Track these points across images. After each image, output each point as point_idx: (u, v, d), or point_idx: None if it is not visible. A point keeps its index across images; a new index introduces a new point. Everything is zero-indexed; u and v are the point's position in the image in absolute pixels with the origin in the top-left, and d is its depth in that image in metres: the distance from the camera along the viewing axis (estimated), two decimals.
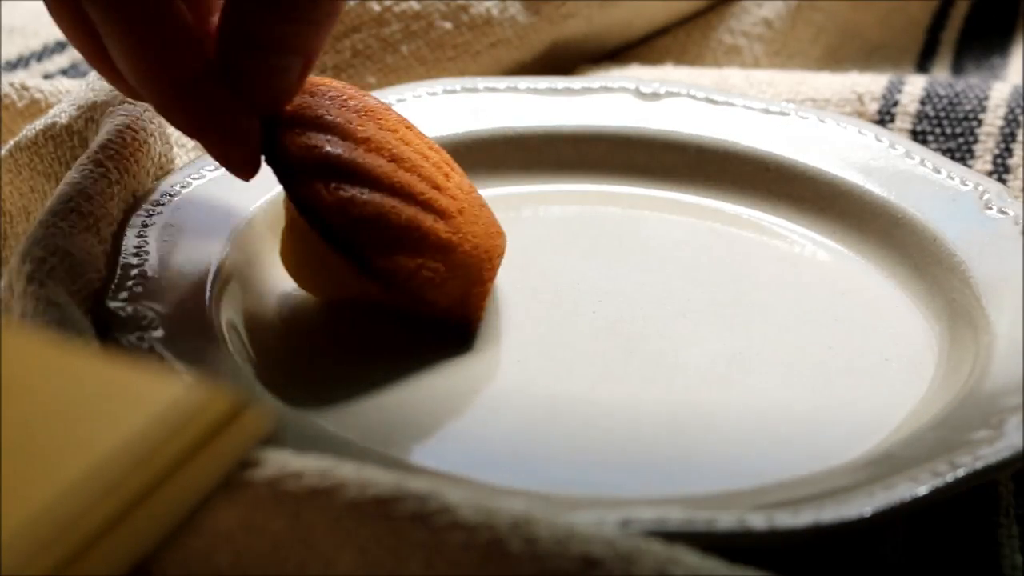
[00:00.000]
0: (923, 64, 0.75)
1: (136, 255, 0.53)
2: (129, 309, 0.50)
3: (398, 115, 0.55)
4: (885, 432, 0.50)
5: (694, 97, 0.64)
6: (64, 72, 0.70)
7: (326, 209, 0.51)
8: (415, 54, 0.66)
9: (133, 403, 0.36)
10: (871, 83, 0.66)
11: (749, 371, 0.53)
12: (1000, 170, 0.62)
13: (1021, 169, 0.62)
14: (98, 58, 0.52)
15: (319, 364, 0.53)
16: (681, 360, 0.53)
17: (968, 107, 0.64)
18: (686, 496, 0.47)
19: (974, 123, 0.64)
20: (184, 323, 0.51)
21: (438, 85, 0.64)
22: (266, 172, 0.58)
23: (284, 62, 0.51)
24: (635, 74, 0.68)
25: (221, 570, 0.42)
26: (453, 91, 0.64)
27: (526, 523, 0.40)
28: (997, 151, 0.63)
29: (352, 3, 0.65)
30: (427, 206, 0.52)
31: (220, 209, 0.56)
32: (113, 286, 0.51)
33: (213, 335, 0.51)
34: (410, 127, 0.54)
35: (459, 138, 0.61)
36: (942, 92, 0.65)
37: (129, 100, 0.57)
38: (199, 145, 0.62)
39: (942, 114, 0.64)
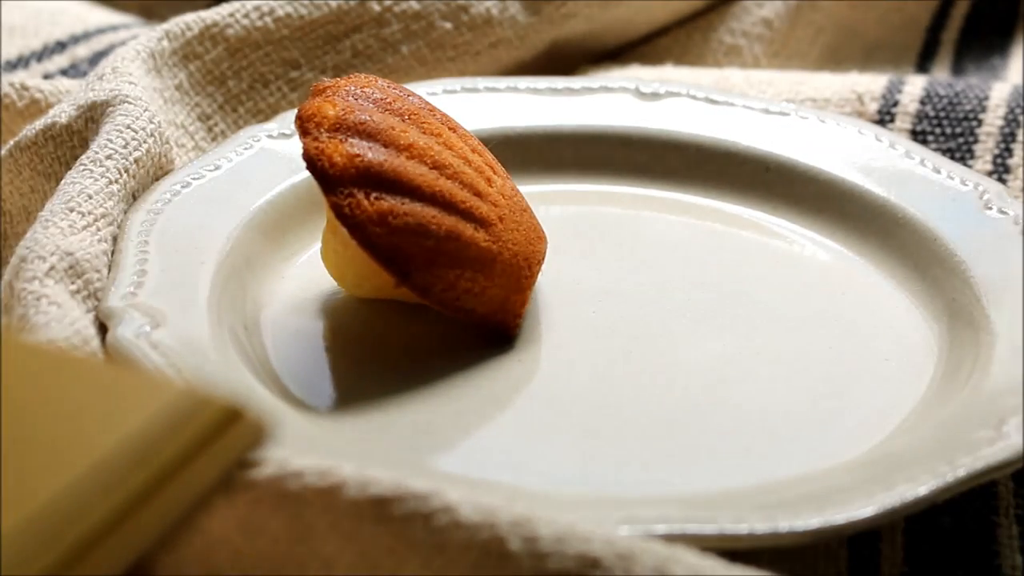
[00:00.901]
0: (923, 64, 0.75)
1: (136, 255, 0.53)
2: (129, 309, 0.50)
3: (442, 115, 0.54)
4: (885, 432, 0.50)
5: (694, 97, 0.64)
6: (64, 72, 0.70)
7: (366, 219, 0.50)
8: (415, 54, 0.66)
9: (132, 404, 0.36)
10: (871, 83, 0.66)
11: (749, 371, 0.53)
12: (1000, 170, 0.62)
13: (1021, 169, 0.62)
14: None
15: (318, 364, 0.53)
16: (681, 360, 0.53)
17: (968, 107, 0.64)
18: (686, 496, 0.47)
19: (974, 123, 0.64)
20: (184, 323, 0.51)
21: (438, 85, 0.64)
22: (265, 170, 0.58)
23: None
24: (635, 74, 0.68)
25: (221, 570, 0.42)
26: (453, 91, 0.64)
27: (526, 522, 0.40)
28: (997, 151, 0.63)
29: (352, 3, 0.65)
30: (468, 215, 0.52)
31: (220, 209, 0.56)
32: (113, 286, 0.51)
33: (213, 335, 0.51)
34: (454, 128, 0.54)
35: None
36: (942, 92, 0.65)
37: (129, 100, 0.57)
38: (198, 146, 0.62)
39: (942, 114, 0.64)
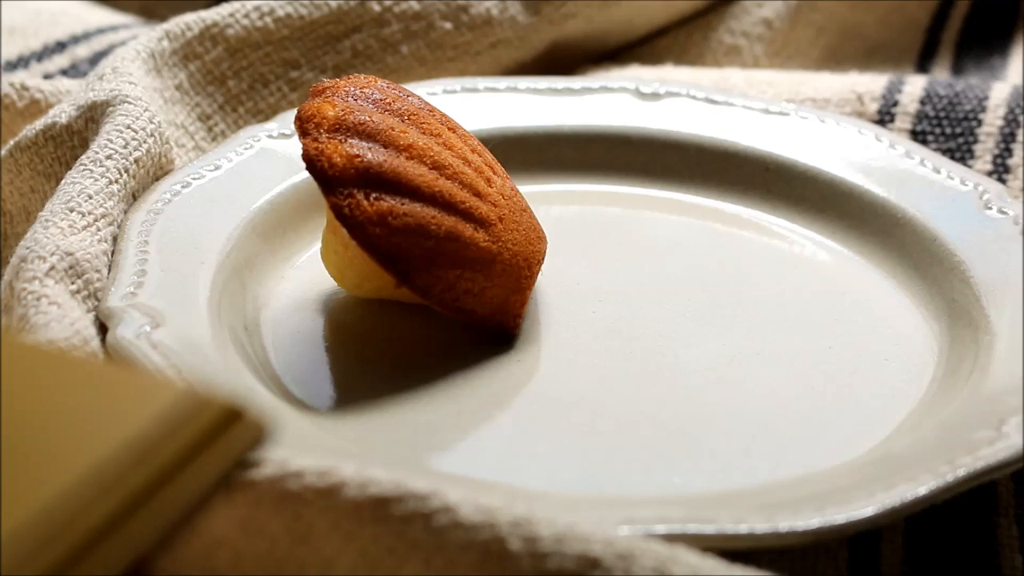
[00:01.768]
0: (923, 64, 0.75)
1: (136, 255, 0.53)
2: (129, 309, 0.50)
3: (442, 115, 0.54)
4: (885, 432, 0.50)
5: (694, 97, 0.64)
6: (64, 72, 0.70)
7: (366, 220, 0.51)
8: (415, 54, 0.66)
9: (132, 404, 0.36)
10: (871, 83, 0.66)
11: (749, 371, 0.53)
12: (1000, 170, 0.62)
13: (1021, 169, 0.62)
14: None
15: (318, 364, 0.53)
16: (681, 360, 0.53)
17: (968, 107, 0.64)
18: (686, 496, 0.47)
19: (974, 123, 0.64)
20: (184, 323, 0.51)
21: (438, 85, 0.64)
22: (265, 170, 0.58)
23: None
24: (635, 74, 0.68)
25: (220, 570, 0.42)
26: (453, 91, 0.64)
27: (526, 522, 0.40)
28: (997, 151, 0.63)
29: (352, 3, 0.65)
30: (467, 215, 0.52)
31: (220, 209, 0.56)
32: (113, 286, 0.51)
33: (213, 335, 0.51)
34: (454, 128, 0.54)
35: None
36: (942, 92, 0.65)
37: (129, 100, 0.57)
38: (198, 146, 0.62)
39: (942, 114, 0.64)
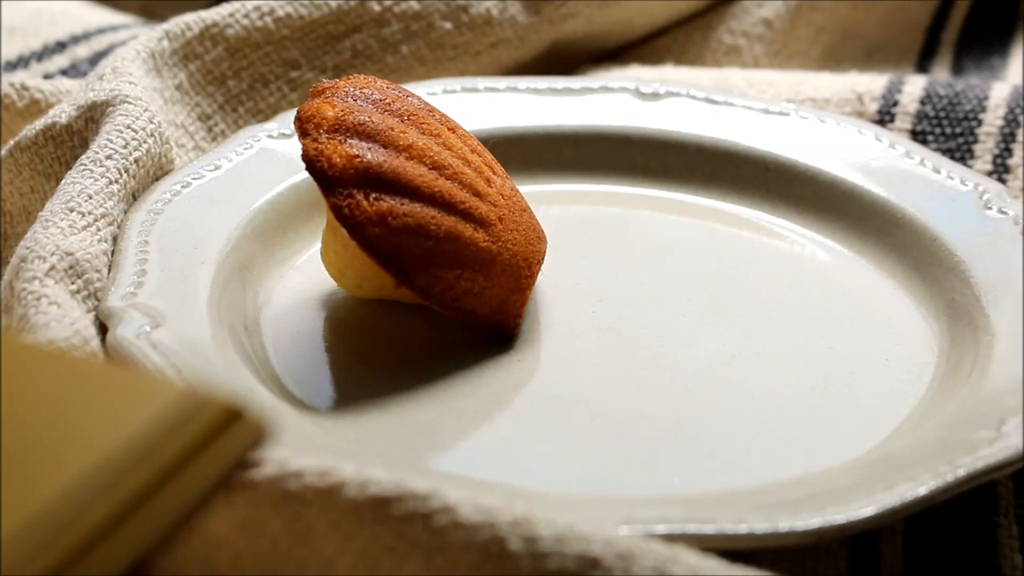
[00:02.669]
0: (923, 64, 0.75)
1: (136, 255, 0.53)
2: (129, 309, 0.50)
3: (442, 115, 0.55)
4: (885, 432, 0.50)
5: (694, 97, 0.64)
6: (64, 72, 0.70)
7: (366, 220, 0.51)
8: (415, 54, 0.66)
9: (132, 404, 0.36)
10: (871, 83, 0.66)
11: (749, 371, 0.53)
12: (1000, 170, 0.62)
13: (1021, 169, 0.62)
14: None
15: (318, 364, 0.53)
16: (681, 360, 0.53)
17: (968, 107, 0.64)
18: (686, 496, 0.47)
19: (974, 123, 0.64)
20: (184, 323, 0.51)
21: (438, 85, 0.64)
22: (265, 170, 0.58)
23: None
24: (635, 74, 0.68)
25: (220, 570, 0.42)
26: (453, 91, 0.64)
27: (526, 522, 0.40)
28: (997, 151, 0.63)
29: (352, 3, 0.65)
30: (467, 215, 0.52)
31: (220, 209, 0.56)
32: (113, 286, 0.51)
33: (213, 335, 0.51)
34: (453, 128, 0.54)
35: None
36: (942, 92, 0.65)
37: (129, 100, 0.57)
38: (198, 146, 0.62)
39: (942, 114, 0.64)
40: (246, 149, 0.59)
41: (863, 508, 0.44)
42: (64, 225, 0.52)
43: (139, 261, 0.53)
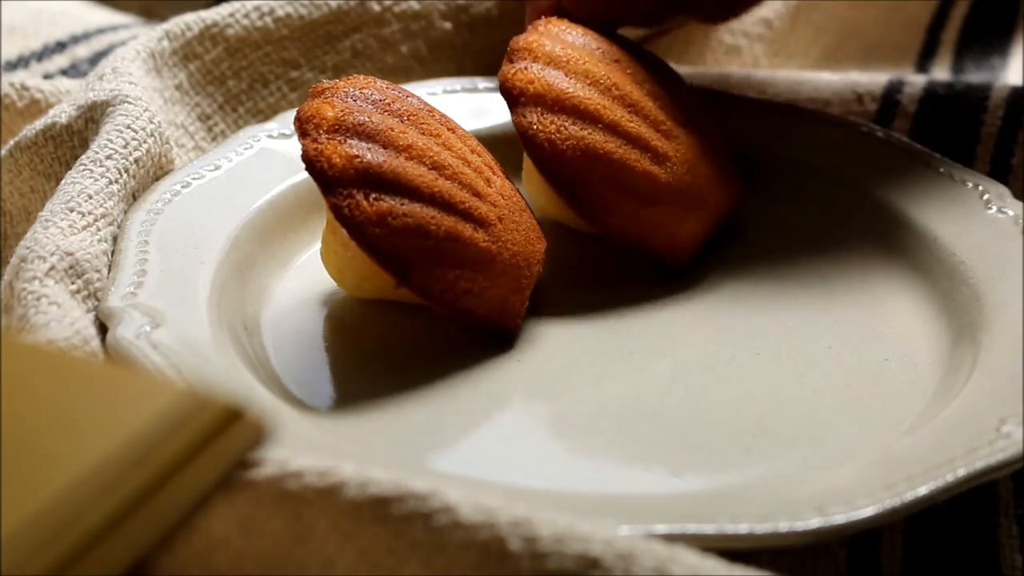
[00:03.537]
0: (923, 64, 0.75)
1: (136, 255, 0.53)
2: (129, 309, 0.50)
3: (442, 115, 0.55)
4: (885, 432, 0.50)
5: None
6: (64, 72, 0.70)
7: (366, 220, 0.51)
8: (415, 54, 0.66)
9: (132, 404, 0.36)
10: (871, 83, 0.66)
11: (749, 371, 0.53)
12: (1000, 170, 0.62)
13: (1021, 169, 0.62)
14: None
15: (318, 364, 0.53)
16: (681, 360, 0.53)
17: (968, 107, 0.64)
18: (686, 496, 0.47)
19: (974, 123, 0.64)
20: (184, 323, 0.51)
21: (438, 85, 0.64)
22: (265, 170, 0.58)
23: None
24: None
25: (220, 570, 0.42)
26: (453, 91, 0.64)
27: (526, 522, 0.40)
28: (997, 151, 0.63)
29: (352, 3, 0.65)
30: (467, 215, 0.52)
31: (220, 209, 0.56)
32: (113, 286, 0.51)
33: (213, 335, 0.51)
34: (453, 129, 0.55)
35: None
36: (942, 92, 0.65)
37: (129, 100, 0.57)
38: (198, 146, 0.62)
39: (942, 114, 0.64)
40: (246, 149, 0.59)
41: (863, 508, 0.44)
42: (64, 225, 0.52)
43: (139, 261, 0.53)
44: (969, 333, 0.53)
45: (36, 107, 0.64)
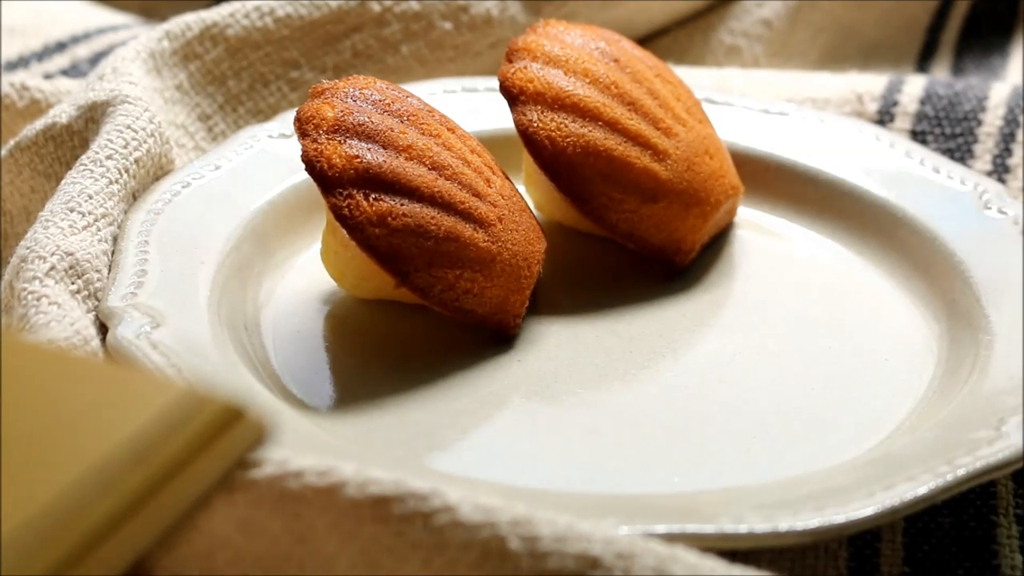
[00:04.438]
0: (923, 64, 0.75)
1: (136, 255, 0.53)
2: (129, 309, 0.50)
3: (442, 116, 0.55)
4: (885, 432, 0.50)
5: None
6: (64, 72, 0.70)
7: (365, 220, 0.51)
8: (415, 54, 0.66)
9: (132, 404, 0.36)
10: (871, 83, 0.66)
11: (749, 371, 0.53)
12: (1000, 170, 0.62)
13: (1021, 169, 0.62)
14: None
15: (318, 364, 0.53)
16: (681, 360, 0.53)
17: (968, 107, 0.64)
18: (686, 496, 0.47)
19: (974, 123, 0.64)
20: (184, 323, 0.51)
21: (438, 85, 0.64)
22: (265, 170, 0.58)
23: None
24: None
25: (220, 570, 0.42)
26: (453, 91, 0.64)
27: (526, 522, 0.40)
28: (997, 151, 0.63)
29: (352, 3, 0.65)
30: (467, 215, 0.52)
31: (220, 209, 0.56)
32: (113, 286, 0.51)
33: (213, 335, 0.51)
34: (453, 129, 0.55)
35: None
36: (942, 92, 0.65)
37: (129, 100, 0.57)
38: (198, 146, 0.62)
39: (942, 114, 0.64)
40: (246, 149, 0.59)
41: (863, 508, 0.44)
42: (64, 225, 0.52)
43: (139, 261, 0.53)
44: (969, 333, 0.53)
45: (36, 107, 0.64)
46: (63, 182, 0.54)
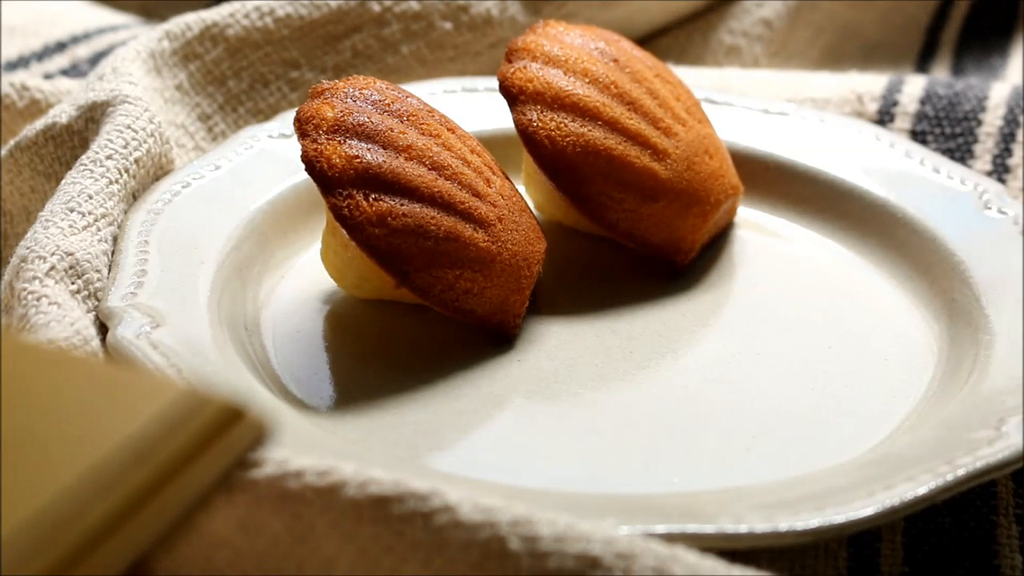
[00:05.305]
0: (922, 64, 0.75)
1: (136, 255, 0.53)
2: (129, 309, 0.50)
3: (441, 116, 0.55)
4: (885, 432, 0.50)
5: None
6: (64, 72, 0.70)
7: (365, 220, 0.51)
8: (415, 54, 0.66)
9: (132, 404, 0.36)
10: (871, 83, 0.66)
11: (749, 371, 0.53)
12: (999, 170, 0.62)
13: (1021, 169, 0.62)
14: None
15: (318, 364, 0.53)
16: (681, 360, 0.53)
17: (968, 107, 0.64)
18: (686, 496, 0.47)
19: (974, 123, 0.64)
20: (184, 323, 0.51)
21: (438, 85, 0.64)
22: (265, 170, 0.58)
23: None
24: None
25: (221, 570, 0.42)
26: (453, 91, 0.64)
27: (526, 522, 0.40)
28: (997, 151, 0.63)
29: (352, 3, 0.65)
30: (467, 215, 0.52)
31: (220, 209, 0.56)
32: (113, 286, 0.51)
33: (213, 335, 0.51)
34: (453, 129, 0.55)
35: None
36: (942, 92, 0.65)
37: (129, 100, 0.57)
38: (198, 146, 0.62)
39: (941, 114, 0.64)
40: (246, 149, 0.59)
41: (863, 508, 0.44)
42: (64, 225, 0.52)
43: (139, 261, 0.53)
44: (969, 333, 0.53)
45: (36, 107, 0.64)
46: (63, 182, 0.54)
